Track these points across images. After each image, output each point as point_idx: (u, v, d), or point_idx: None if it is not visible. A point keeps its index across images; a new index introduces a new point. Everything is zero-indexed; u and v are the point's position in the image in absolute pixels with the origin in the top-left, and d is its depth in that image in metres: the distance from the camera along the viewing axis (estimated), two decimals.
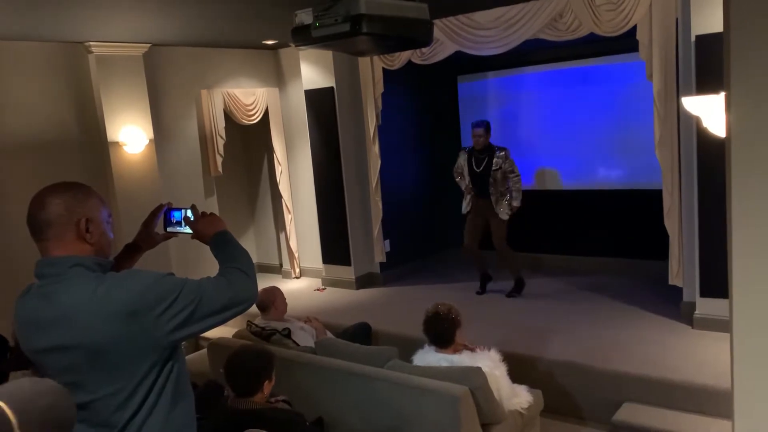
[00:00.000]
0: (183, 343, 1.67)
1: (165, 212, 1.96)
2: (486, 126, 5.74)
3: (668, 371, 3.99)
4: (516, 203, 5.71)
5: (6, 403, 0.67)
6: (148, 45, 5.77)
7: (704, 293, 4.55)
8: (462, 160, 5.92)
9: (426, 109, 7.43)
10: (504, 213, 5.71)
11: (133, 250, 1.94)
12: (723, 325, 4.27)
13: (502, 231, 5.80)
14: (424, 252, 7.42)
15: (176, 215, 1.95)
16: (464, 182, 5.92)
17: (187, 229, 1.90)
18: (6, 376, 2.48)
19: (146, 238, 1.94)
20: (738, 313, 1.57)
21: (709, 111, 3.00)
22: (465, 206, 5.98)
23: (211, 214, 1.90)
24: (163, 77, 6.20)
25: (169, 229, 1.96)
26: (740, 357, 1.61)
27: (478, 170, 5.75)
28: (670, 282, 4.92)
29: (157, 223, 1.95)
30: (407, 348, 3.64)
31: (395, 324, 5.22)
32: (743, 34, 1.39)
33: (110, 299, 1.48)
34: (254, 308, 4.06)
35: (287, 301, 4.42)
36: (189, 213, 1.90)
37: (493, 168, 5.68)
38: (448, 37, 5.51)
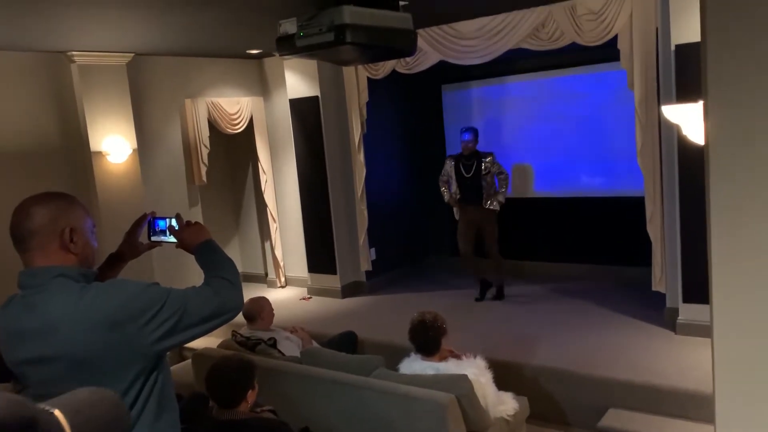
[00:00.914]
0: (167, 353, 1.66)
1: (149, 221, 1.96)
2: (474, 132, 5.90)
3: (652, 376, 4.02)
4: (502, 198, 5.87)
5: (61, 411, 0.67)
6: (132, 54, 5.74)
7: (687, 299, 4.60)
8: (449, 167, 6.00)
9: (411, 117, 7.46)
10: (495, 205, 5.85)
11: (116, 260, 1.93)
12: (706, 331, 4.29)
13: (495, 234, 5.93)
14: (410, 260, 7.43)
15: (161, 224, 1.94)
16: (449, 191, 6.01)
17: (172, 239, 1.90)
18: None
19: (130, 248, 1.93)
20: (718, 319, 1.60)
21: (688, 119, 3.05)
22: (457, 214, 6.13)
23: (196, 223, 1.90)
24: (147, 86, 6.17)
25: (153, 239, 1.96)
26: (721, 362, 1.64)
27: (467, 175, 5.89)
28: (653, 288, 4.97)
29: (141, 232, 1.94)
30: (394, 356, 3.64)
31: (381, 332, 5.22)
32: (719, 41, 1.42)
33: (93, 309, 1.47)
34: (239, 318, 4.04)
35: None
36: (174, 222, 1.90)
37: (483, 172, 5.82)
38: (432, 47, 5.55)
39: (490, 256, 6.02)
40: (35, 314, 1.49)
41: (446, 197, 6.06)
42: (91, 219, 1.65)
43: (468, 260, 6.14)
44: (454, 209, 6.13)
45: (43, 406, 0.63)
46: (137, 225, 1.93)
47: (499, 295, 6.08)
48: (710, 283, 1.59)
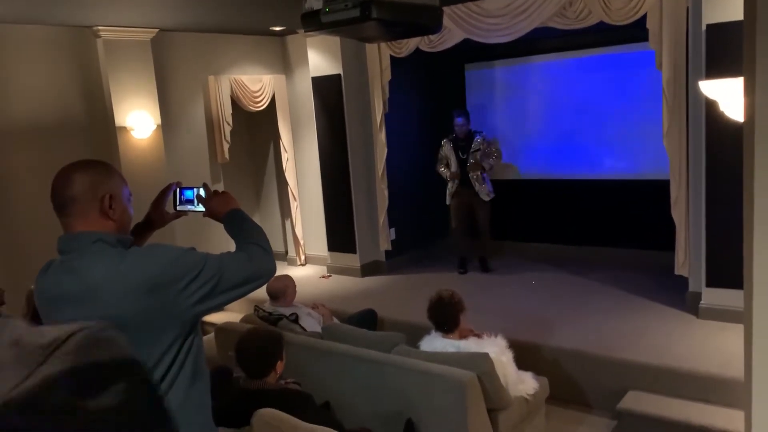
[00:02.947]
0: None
1: (174, 191, 1.98)
2: (467, 115, 6.25)
3: (673, 360, 4.00)
4: (491, 193, 6.21)
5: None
6: (156, 30, 5.76)
7: (710, 283, 4.55)
8: (447, 149, 6.25)
9: (433, 97, 7.41)
10: (485, 195, 6.17)
11: (143, 229, 1.96)
12: (729, 315, 4.29)
13: (487, 214, 6.27)
14: (430, 240, 7.43)
15: (188, 194, 1.96)
16: (449, 171, 6.26)
17: (200, 207, 1.92)
18: None
19: (157, 217, 1.95)
20: (759, 303, 1.56)
21: (727, 95, 2.98)
22: (450, 194, 6.35)
23: (224, 192, 1.92)
24: (171, 63, 6.20)
25: (179, 208, 1.98)
26: (759, 349, 1.61)
27: (464, 157, 6.17)
28: (676, 272, 4.93)
29: (167, 202, 1.96)
30: (413, 335, 3.66)
31: (401, 311, 5.24)
32: None
33: (134, 272, 1.50)
34: (263, 293, 4.09)
35: None
36: (202, 191, 1.92)
37: (472, 150, 6.11)
38: (457, 25, 5.49)
39: (481, 237, 6.40)
40: (77, 278, 1.52)
41: (447, 174, 6.28)
42: (128, 187, 1.68)
43: (460, 234, 6.50)
44: (447, 191, 6.36)
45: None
46: (163, 194, 1.95)
47: (486, 268, 6.40)
48: (748, 269, 1.56)
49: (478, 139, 6.16)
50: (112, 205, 1.59)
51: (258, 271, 1.67)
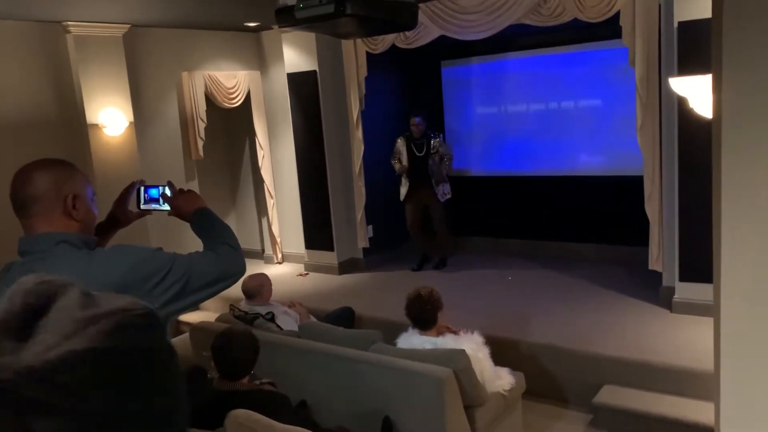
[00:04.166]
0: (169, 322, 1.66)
1: (138, 189, 1.94)
2: (424, 116, 6.29)
3: (647, 354, 4.05)
4: (448, 194, 6.31)
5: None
6: (128, 26, 5.66)
7: (683, 278, 4.62)
8: (400, 144, 6.34)
9: (410, 93, 7.41)
10: (443, 195, 6.26)
11: (106, 229, 1.91)
12: (701, 309, 4.35)
13: (441, 213, 6.33)
14: (407, 237, 7.42)
15: (152, 192, 1.92)
16: (400, 166, 6.34)
17: (165, 206, 1.89)
18: None
19: (120, 217, 1.91)
20: (726, 295, 1.58)
21: (696, 91, 3.01)
22: (403, 193, 6.41)
23: (189, 190, 1.89)
24: (144, 59, 6.10)
25: (143, 207, 1.94)
26: (728, 342, 1.63)
27: (419, 154, 6.24)
28: (650, 267, 4.98)
29: (130, 200, 1.92)
30: (391, 332, 3.66)
31: (378, 309, 5.23)
32: (735, 14, 1.39)
33: (104, 274, 1.47)
34: (238, 292, 4.05)
35: None
36: (167, 190, 1.88)
37: (431, 151, 6.18)
38: (432, 21, 5.48)
39: (437, 235, 6.46)
40: None
41: (398, 167, 6.36)
42: (91, 187, 1.63)
43: (415, 236, 6.56)
44: (401, 190, 6.40)
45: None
46: (126, 192, 1.91)
47: (440, 265, 6.49)
48: (716, 263, 1.58)
49: (435, 140, 6.22)
50: (76, 205, 1.55)
51: (228, 271, 1.65)
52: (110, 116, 5.58)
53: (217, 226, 1.77)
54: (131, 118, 5.78)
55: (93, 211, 1.63)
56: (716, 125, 1.48)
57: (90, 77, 5.49)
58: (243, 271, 1.71)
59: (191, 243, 1.75)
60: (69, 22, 5.27)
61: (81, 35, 5.40)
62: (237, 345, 2.67)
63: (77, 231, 1.56)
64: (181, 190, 1.88)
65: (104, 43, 5.55)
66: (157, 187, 1.92)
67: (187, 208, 1.82)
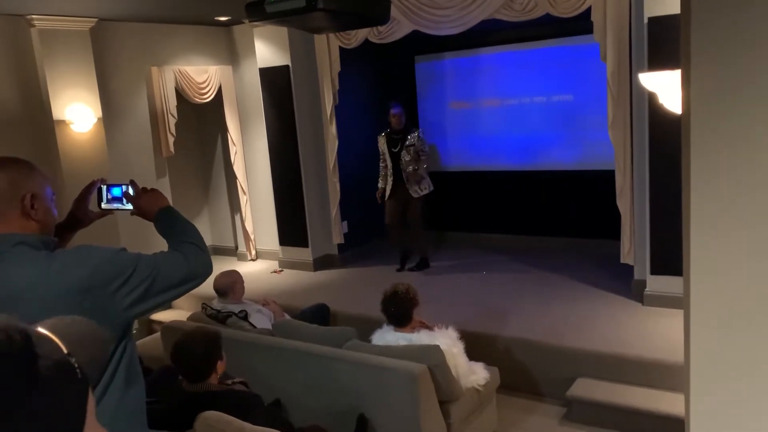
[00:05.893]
0: (134, 326, 1.62)
1: (99, 188, 1.89)
2: (402, 107, 6.06)
3: (620, 347, 4.09)
4: (426, 190, 6.06)
5: (49, 330, 0.67)
6: (95, 19, 5.54)
7: (654, 271, 4.68)
8: (381, 144, 6.15)
9: (383, 89, 7.37)
10: (416, 191, 6.04)
11: (65, 229, 1.85)
12: (672, 302, 4.41)
13: (418, 209, 6.11)
14: (382, 233, 7.40)
15: (115, 191, 1.88)
16: (384, 182, 6.17)
17: (128, 206, 1.84)
18: None
19: (81, 216, 1.86)
20: (695, 289, 1.59)
21: (666, 87, 3.03)
22: (384, 189, 6.18)
23: (152, 189, 1.85)
24: (112, 53, 5.97)
25: (104, 206, 1.89)
26: (696, 334, 1.64)
27: (395, 150, 6.05)
28: (622, 260, 5.04)
29: (91, 199, 1.87)
30: (366, 328, 3.64)
31: (354, 305, 5.21)
32: (704, 8, 1.40)
33: (64, 277, 1.43)
34: (210, 290, 3.99)
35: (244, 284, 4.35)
36: (130, 189, 1.84)
37: (407, 144, 5.96)
38: (405, 16, 5.46)
39: (412, 231, 6.23)
40: None
41: (379, 186, 6.20)
42: (50, 186, 1.58)
43: (393, 232, 6.36)
44: (385, 188, 6.18)
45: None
46: (87, 191, 1.86)
47: (422, 265, 6.27)
48: (686, 255, 1.59)
49: (414, 134, 6.01)
50: (35, 204, 1.50)
51: (194, 271, 1.61)
52: (78, 112, 5.46)
53: (182, 225, 1.73)
54: (99, 113, 5.66)
55: (53, 211, 1.58)
56: (685, 120, 1.49)
57: (56, 72, 5.36)
58: (209, 271, 1.67)
59: (163, 242, 1.72)
60: (33, 16, 5.14)
61: (46, 29, 5.26)
62: (196, 347, 2.61)
63: (36, 232, 1.52)
64: (144, 189, 1.84)
65: (71, 38, 5.42)
66: (119, 186, 1.87)
67: (150, 208, 1.78)
